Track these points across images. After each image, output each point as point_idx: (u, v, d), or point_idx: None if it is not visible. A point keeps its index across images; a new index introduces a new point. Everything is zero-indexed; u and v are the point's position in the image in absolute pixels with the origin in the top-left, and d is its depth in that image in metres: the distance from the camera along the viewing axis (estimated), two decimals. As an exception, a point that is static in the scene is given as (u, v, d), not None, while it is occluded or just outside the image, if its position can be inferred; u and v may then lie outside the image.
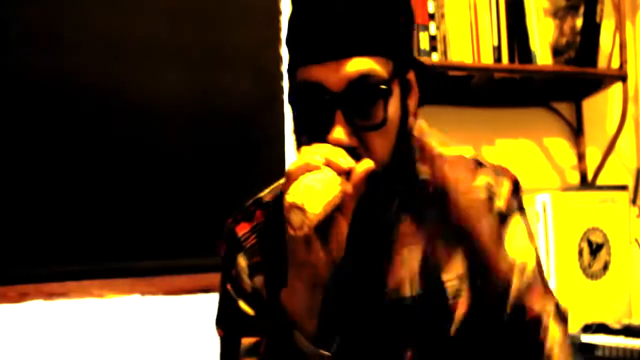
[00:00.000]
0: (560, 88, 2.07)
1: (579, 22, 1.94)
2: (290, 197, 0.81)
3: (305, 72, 0.87)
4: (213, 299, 1.76)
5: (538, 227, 1.85)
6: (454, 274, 0.95)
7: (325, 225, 0.84)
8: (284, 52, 1.92)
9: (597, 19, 1.95)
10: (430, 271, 0.95)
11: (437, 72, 1.81)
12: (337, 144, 0.85)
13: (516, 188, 1.01)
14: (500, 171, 1.01)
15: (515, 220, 0.99)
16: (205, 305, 1.75)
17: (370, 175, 0.85)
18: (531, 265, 0.98)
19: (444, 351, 0.94)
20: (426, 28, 1.79)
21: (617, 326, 1.69)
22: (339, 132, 0.85)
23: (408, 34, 0.94)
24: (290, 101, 0.90)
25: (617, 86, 2.05)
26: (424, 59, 1.76)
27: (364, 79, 0.85)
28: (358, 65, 0.85)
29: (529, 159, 2.13)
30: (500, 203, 0.98)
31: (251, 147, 1.87)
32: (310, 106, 0.87)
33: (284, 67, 1.91)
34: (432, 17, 1.81)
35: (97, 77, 1.76)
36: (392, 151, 0.90)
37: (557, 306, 0.99)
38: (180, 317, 1.73)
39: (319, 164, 0.82)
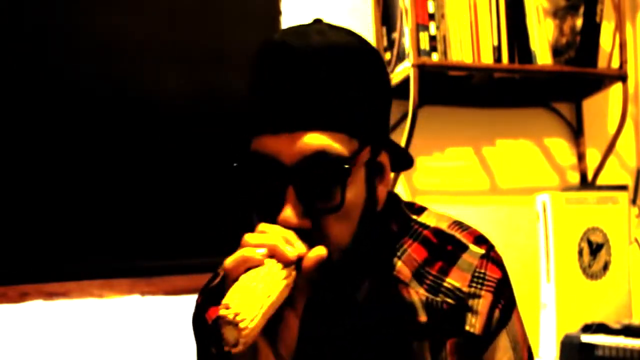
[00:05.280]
0: (560, 88, 2.07)
1: (579, 22, 1.94)
2: (222, 310, 0.68)
3: (259, 143, 0.80)
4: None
5: (538, 227, 1.84)
6: None
7: (274, 324, 0.75)
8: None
9: (597, 19, 1.95)
10: None
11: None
12: (286, 225, 0.76)
13: (499, 289, 0.87)
14: (479, 269, 0.88)
15: (497, 345, 0.87)
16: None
17: (325, 264, 0.76)
18: None
19: None
20: (426, 28, 1.79)
21: (617, 326, 1.69)
22: (288, 212, 0.77)
23: (381, 113, 0.85)
24: (239, 174, 0.82)
25: (617, 86, 2.04)
26: (423, 59, 1.76)
27: (320, 156, 0.77)
28: (314, 140, 0.77)
29: (529, 159, 2.13)
30: (473, 324, 0.86)
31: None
32: (261, 180, 0.80)
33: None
34: (432, 17, 1.80)
35: (97, 77, 1.76)
36: (353, 237, 0.81)
37: None
38: (180, 317, 1.72)
39: (260, 257, 0.73)
